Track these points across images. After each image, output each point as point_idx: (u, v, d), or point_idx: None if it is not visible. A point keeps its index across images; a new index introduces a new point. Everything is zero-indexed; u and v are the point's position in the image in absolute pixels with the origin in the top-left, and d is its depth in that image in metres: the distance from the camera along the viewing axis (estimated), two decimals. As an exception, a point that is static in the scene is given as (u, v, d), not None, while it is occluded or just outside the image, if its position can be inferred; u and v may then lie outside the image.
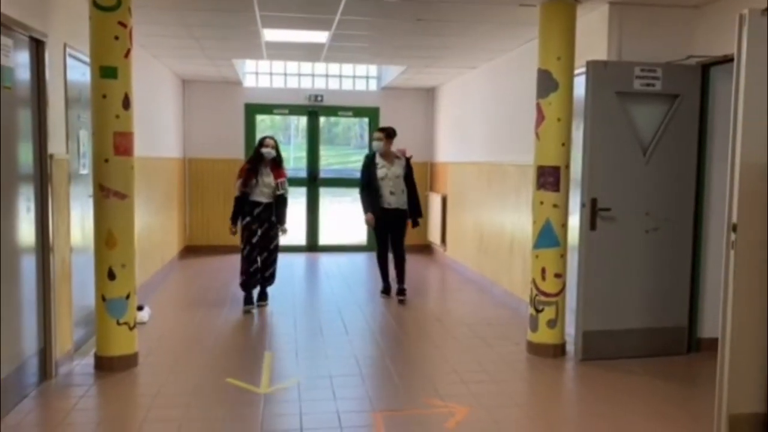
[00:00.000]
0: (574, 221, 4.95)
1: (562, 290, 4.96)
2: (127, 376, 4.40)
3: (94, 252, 4.50)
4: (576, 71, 4.87)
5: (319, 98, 10.11)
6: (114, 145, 4.36)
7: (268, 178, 6.15)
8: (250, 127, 10.11)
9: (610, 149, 4.80)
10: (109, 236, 4.41)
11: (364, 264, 9.44)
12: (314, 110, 10.21)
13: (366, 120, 10.82)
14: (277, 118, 10.46)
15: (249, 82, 10.02)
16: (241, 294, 6.35)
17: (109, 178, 4.38)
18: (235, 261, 9.49)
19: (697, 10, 4.89)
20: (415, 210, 6.86)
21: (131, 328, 4.55)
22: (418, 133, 10.37)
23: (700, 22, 4.88)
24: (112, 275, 4.43)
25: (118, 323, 4.47)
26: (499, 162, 7.20)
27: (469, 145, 8.41)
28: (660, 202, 4.92)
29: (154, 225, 7.54)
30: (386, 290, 7.03)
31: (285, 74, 10.16)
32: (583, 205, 4.82)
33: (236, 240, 6.35)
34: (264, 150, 6.17)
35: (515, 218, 6.69)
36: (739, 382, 3.24)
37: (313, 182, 10.34)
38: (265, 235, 6.20)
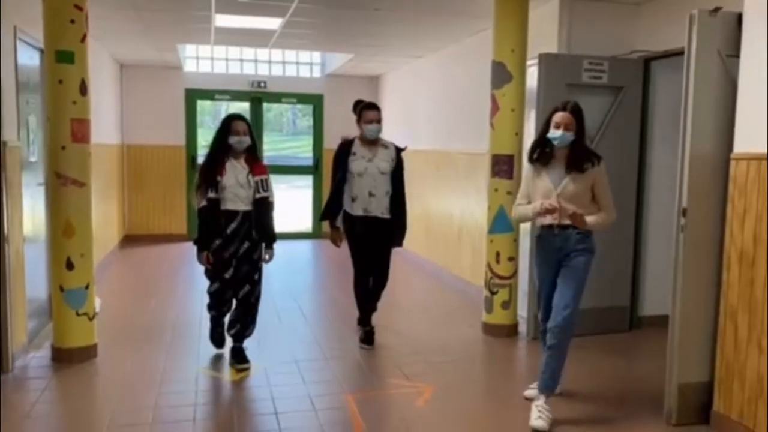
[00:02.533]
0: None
1: (515, 273, 5.19)
2: (88, 367, 4.32)
3: (50, 242, 4.38)
4: (528, 63, 5.08)
5: (262, 84, 10.02)
6: (71, 132, 4.25)
7: (242, 175, 4.21)
8: (190, 113, 9.92)
9: (560, 138, 5.03)
10: (68, 225, 4.30)
11: (309, 251, 9.49)
12: (257, 96, 10.12)
13: (299, 106, 10.81)
14: (207, 102, 10.30)
15: (189, 67, 9.82)
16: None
17: (66, 165, 4.27)
18: (178, 249, 9.42)
19: (639, 7, 5.18)
20: (399, 223, 4.82)
21: (91, 319, 4.46)
22: (362, 121, 10.44)
23: (642, 19, 5.18)
24: (70, 265, 4.33)
25: (78, 314, 4.38)
26: (447, 150, 7.38)
27: (416, 133, 8.56)
28: (605, 189, 5.20)
29: (95, 214, 7.31)
30: (368, 337, 4.94)
31: (227, 59, 10.00)
32: (535, 192, 5.04)
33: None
34: (233, 140, 4.18)
35: (464, 205, 6.90)
36: (687, 355, 3.53)
37: (256, 169, 10.24)
38: (244, 260, 4.25)
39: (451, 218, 7.27)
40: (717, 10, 3.36)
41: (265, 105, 10.38)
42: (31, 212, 4.72)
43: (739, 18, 3.35)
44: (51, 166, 4.31)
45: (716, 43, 3.39)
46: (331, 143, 10.35)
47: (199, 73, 9.90)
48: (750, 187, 3.24)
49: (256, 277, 4.32)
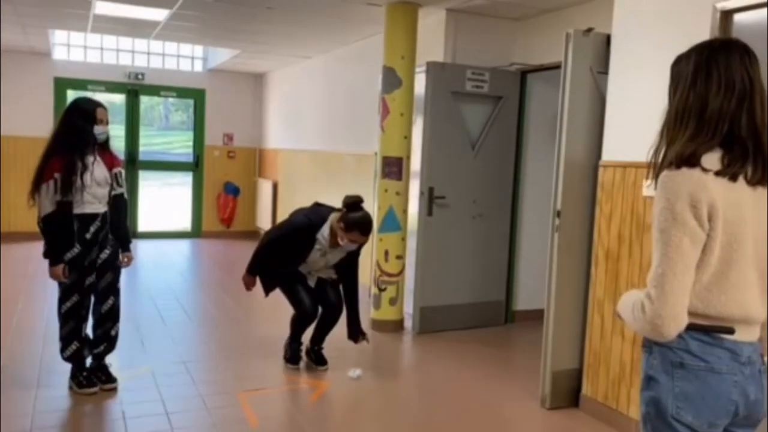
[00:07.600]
0: (413, 208, 5.38)
1: (403, 271, 5.39)
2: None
3: None
4: (417, 70, 5.29)
5: (140, 76, 9.62)
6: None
7: (100, 171, 3.66)
8: (59, 103, 9.29)
9: (445, 143, 5.30)
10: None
11: (189, 250, 9.24)
12: (134, 89, 9.69)
13: (172, 101, 10.52)
14: (71, 92, 9.75)
15: (59, 54, 9.23)
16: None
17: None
18: (38, 250, 8.73)
19: (517, 22, 5.56)
20: (354, 319, 4.44)
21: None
22: (246, 118, 10.34)
23: (520, 34, 5.56)
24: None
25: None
26: (335, 150, 7.48)
27: (303, 132, 8.60)
28: (485, 192, 5.54)
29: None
30: (295, 356, 4.47)
31: (101, 48, 9.50)
32: (421, 193, 5.27)
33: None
34: (98, 131, 3.65)
35: (351, 204, 7.01)
36: (560, 344, 3.86)
37: (131, 165, 9.81)
38: (106, 268, 3.79)
39: (338, 218, 7.36)
40: (589, 30, 3.72)
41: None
42: None
43: (608, 39, 3.72)
44: None
45: (588, 61, 3.74)
46: (213, 140, 10.17)
47: (71, 62, 9.33)
48: (615, 192, 3.61)
49: (118, 286, 3.88)
